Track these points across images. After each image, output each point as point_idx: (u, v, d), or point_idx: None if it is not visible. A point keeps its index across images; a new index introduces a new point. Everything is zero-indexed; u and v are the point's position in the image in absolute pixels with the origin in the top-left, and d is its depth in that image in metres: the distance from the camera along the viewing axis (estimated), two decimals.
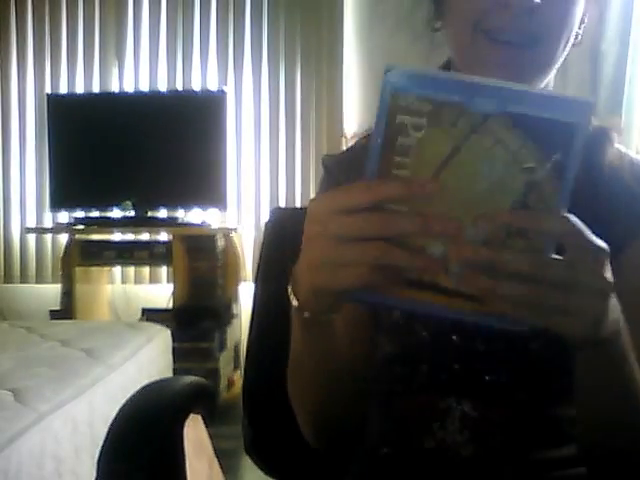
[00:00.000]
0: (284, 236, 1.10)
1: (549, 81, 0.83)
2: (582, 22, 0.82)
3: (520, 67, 0.76)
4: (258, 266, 1.13)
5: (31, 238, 3.79)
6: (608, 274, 0.57)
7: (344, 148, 1.01)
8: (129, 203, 3.38)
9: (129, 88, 3.74)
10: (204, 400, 1.03)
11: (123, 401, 0.93)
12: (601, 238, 0.56)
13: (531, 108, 0.49)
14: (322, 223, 0.55)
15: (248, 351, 1.13)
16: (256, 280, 1.12)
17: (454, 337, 0.84)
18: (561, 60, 0.80)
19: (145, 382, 1.03)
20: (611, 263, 0.78)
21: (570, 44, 0.80)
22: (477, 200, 0.51)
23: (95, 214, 3.54)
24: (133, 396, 0.93)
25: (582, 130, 0.49)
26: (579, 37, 0.82)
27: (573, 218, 0.53)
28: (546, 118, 0.49)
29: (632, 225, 0.80)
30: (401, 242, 0.53)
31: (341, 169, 0.94)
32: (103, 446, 0.75)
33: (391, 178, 0.52)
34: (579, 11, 0.79)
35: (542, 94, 0.51)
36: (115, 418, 0.83)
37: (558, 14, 0.77)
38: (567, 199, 0.51)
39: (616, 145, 0.85)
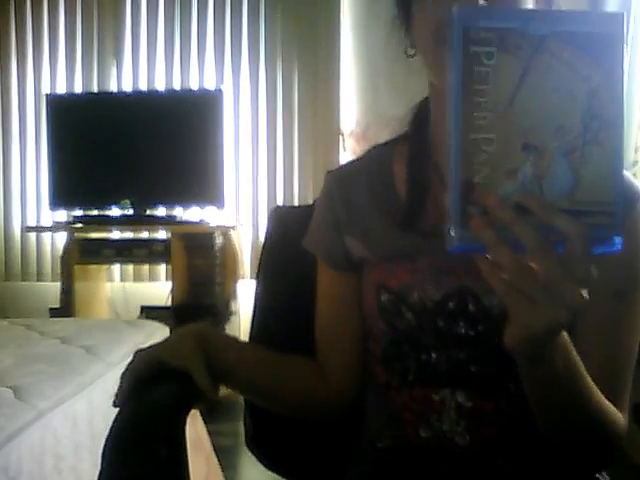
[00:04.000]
0: (285, 235, 1.11)
1: None
2: None
3: None
4: (259, 264, 1.14)
5: (31, 237, 3.80)
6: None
7: (351, 158, 1.06)
8: (128, 202, 3.39)
9: (127, 88, 3.75)
10: (205, 395, 1.04)
11: None
12: None
13: (576, 26, 0.58)
14: None
15: None
16: (257, 278, 1.14)
17: (438, 320, 0.87)
18: None
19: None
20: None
21: None
22: (553, 113, 0.58)
23: (94, 213, 3.56)
24: (135, 390, 0.94)
25: (620, 39, 0.58)
26: None
27: (581, 228, 0.57)
28: (590, 32, 0.57)
29: None
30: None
31: (339, 186, 0.98)
32: (107, 439, 0.77)
33: (474, 106, 0.58)
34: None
35: (582, 13, 0.59)
36: (119, 412, 0.84)
37: None
38: (621, 102, 0.58)
39: None
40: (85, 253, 3.36)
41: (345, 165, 1.06)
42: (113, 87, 3.77)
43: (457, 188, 0.58)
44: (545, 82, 0.58)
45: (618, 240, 0.59)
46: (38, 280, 3.81)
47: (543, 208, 0.57)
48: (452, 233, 0.59)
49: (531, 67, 0.57)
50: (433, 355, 0.87)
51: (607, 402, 0.80)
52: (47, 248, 3.80)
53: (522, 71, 0.57)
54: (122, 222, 3.43)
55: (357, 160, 1.03)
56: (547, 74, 0.58)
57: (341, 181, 0.99)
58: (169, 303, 3.37)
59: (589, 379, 0.75)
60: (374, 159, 1.00)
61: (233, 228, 3.46)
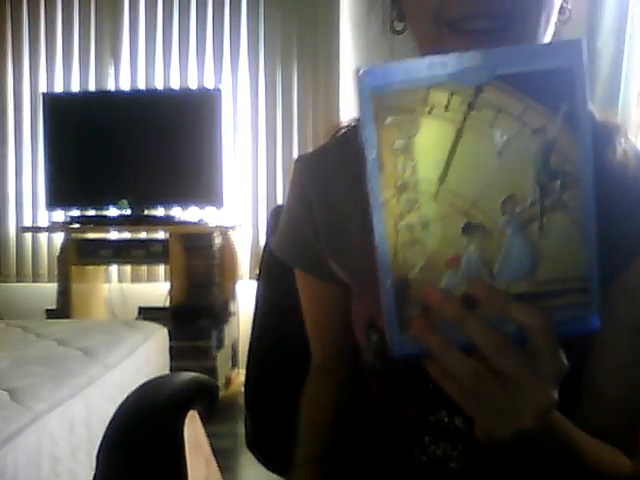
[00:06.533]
0: None
1: None
2: None
3: None
4: (260, 265, 1.12)
5: (27, 237, 3.78)
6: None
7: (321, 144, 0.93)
8: (125, 201, 3.38)
9: (125, 86, 3.73)
10: (204, 395, 1.03)
11: (120, 400, 0.92)
12: (611, 250, 0.51)
13: (522, 65, 0.46)
14: None
15: (250, 348, 1.12)
16: (259, 278, 1.11)
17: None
18: (547, 39, 0.68)
19: (142, 381, 1.02)
20: (613, 280, 0.68)
21: (553, 20, 0.68)
22: (498, 182, 0.48)
23: (91, 213, 3.54)
24: (133, 392, 0.92)
25: (581, 72, 0.46)
26: (568, 12, 0.72)
27: (544, 317, 0.48)
28: (540, 70, 0.46)
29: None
30: None
31: (309, 171, 0.89)
32: (103, 440, 0.75)
33: (399, 189, 0.49)
34: None
35: (529, 47, 0.48)
36: (115, 413, 0.83)
37: None
38: (589, 149, 0.47)
39: (622, 139, 0.74)
40: (82, 254, 3.34)
41: (316, 150, 0.91)
42: (111, 86, 3.74)
43: (390, 289, 0.50)
44: (484, 145, 0.47)
45: (596, 318, 0.50)
46: (34, 281, 3.78)
47: (493, 296, 0.48)
48: (391, 339, 0.51)
49: (465, 129, 0.47)
50: (430, 385, 0.83)
51: (614, 457, 0.70)
52: (43, 248, 3.78)
53: (454, 136, 0.47)
54: (120, 222, 3.41)
55: (330, 144, 0.89)
56: (486, 134, 0.47)
57: (317, 174, 0.87)
58: (167, 304, 3.35)
59: (587, 444, 0.66)
60: (351, 140, 0.83)
61: (232, 228, 3.45)
